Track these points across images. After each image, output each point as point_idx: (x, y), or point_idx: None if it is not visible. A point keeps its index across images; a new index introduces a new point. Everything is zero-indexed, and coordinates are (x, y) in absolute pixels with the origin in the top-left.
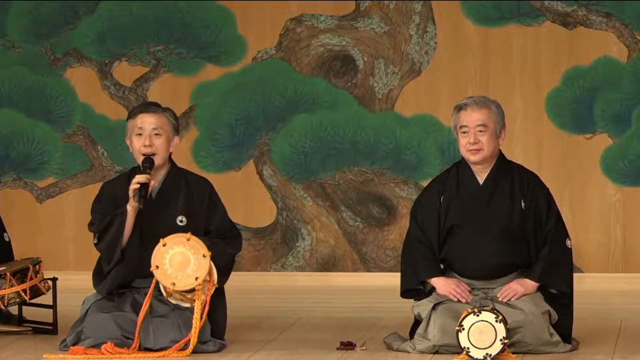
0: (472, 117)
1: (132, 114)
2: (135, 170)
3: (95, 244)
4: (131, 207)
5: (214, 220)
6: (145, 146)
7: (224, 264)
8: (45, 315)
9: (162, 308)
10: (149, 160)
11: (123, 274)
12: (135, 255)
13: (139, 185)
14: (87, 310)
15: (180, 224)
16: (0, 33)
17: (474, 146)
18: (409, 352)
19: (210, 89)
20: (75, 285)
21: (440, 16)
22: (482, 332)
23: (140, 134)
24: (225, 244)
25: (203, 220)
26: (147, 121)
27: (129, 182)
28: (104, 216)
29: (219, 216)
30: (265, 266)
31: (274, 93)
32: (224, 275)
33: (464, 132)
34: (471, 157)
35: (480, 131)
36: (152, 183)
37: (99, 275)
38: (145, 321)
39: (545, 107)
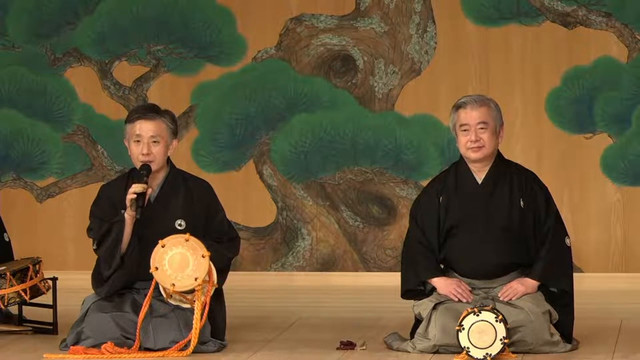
0: (473, 115)
1: (130, 119)
2: (134, 173)
3: (95, 250)
4: (128, 216)
5: (213, 224)
6: (143, 154)
7: (221, 267)
8: (45, 315)
9: (163, 308)
10: (146, 167)
11: (123, 279)
12: (134, 260)
13: (135, 196)
14: (87, 310)
15: (179, 227)
16: (0, 33)
17: (476, 144)
18: (409, 352)
19: (210, 89)
20: (75, 285)
21: (440, 16)
22: (482, 331)
23: (138, 141)
24: (222, 247)
25: (202, 223)
26: (145, 128)
27: (127, 185)
28: (103, 221)
29: (218, 219)
30: (265, 266)
31: (274, 93)
32: (220, 277)
33: (465, 131)
34: (472, 155)
35: (481, 129)
36: (149, 191)
37: (97, 278)
38: (145, 321)
39: (545, 107)
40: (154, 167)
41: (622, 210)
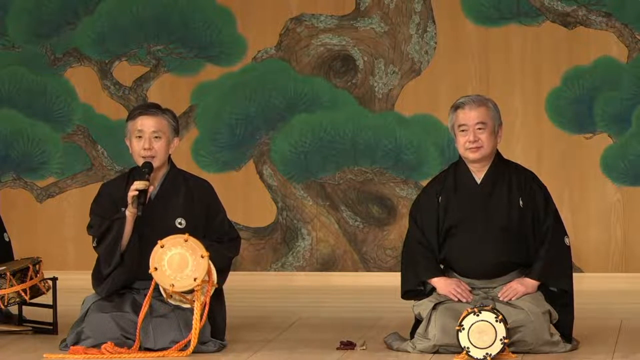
0: (471, 116)
1: (132, 116)
2: (135, 171)
3: (95, 247)
4: (130, 213)
5: (213, 224)
6: (145, 149)
7: (221, 267)
8: (45, 315)
9: (163, 308)
10: (147, 165)
11: (123, 277)
12: (134, 258)
13: (137, 192)
14: (87, 310)
15: (179, 226)
16: (0, 33)
17: (474, 144)
18: (409, 352)
19: (210, 89)
20: (75, 285)
21: (440, 16)
22: (482, 331)
23: (140, 137)
24: (222, 247)
25: (202, 222)
26: (147, 124)
27: (127, 184)
28: (103, 219)
29: (218, 219)
30: (265, 266)
31: (274, 93)
32: (220, 277)
33: (463, 131)
34: (471, 155)
35: (480, 129)
36: (150, 189)
37: (97, 277)
38: (145, 321)
39: (545, 107)
40: (155, 163)
41: (622, 210)
